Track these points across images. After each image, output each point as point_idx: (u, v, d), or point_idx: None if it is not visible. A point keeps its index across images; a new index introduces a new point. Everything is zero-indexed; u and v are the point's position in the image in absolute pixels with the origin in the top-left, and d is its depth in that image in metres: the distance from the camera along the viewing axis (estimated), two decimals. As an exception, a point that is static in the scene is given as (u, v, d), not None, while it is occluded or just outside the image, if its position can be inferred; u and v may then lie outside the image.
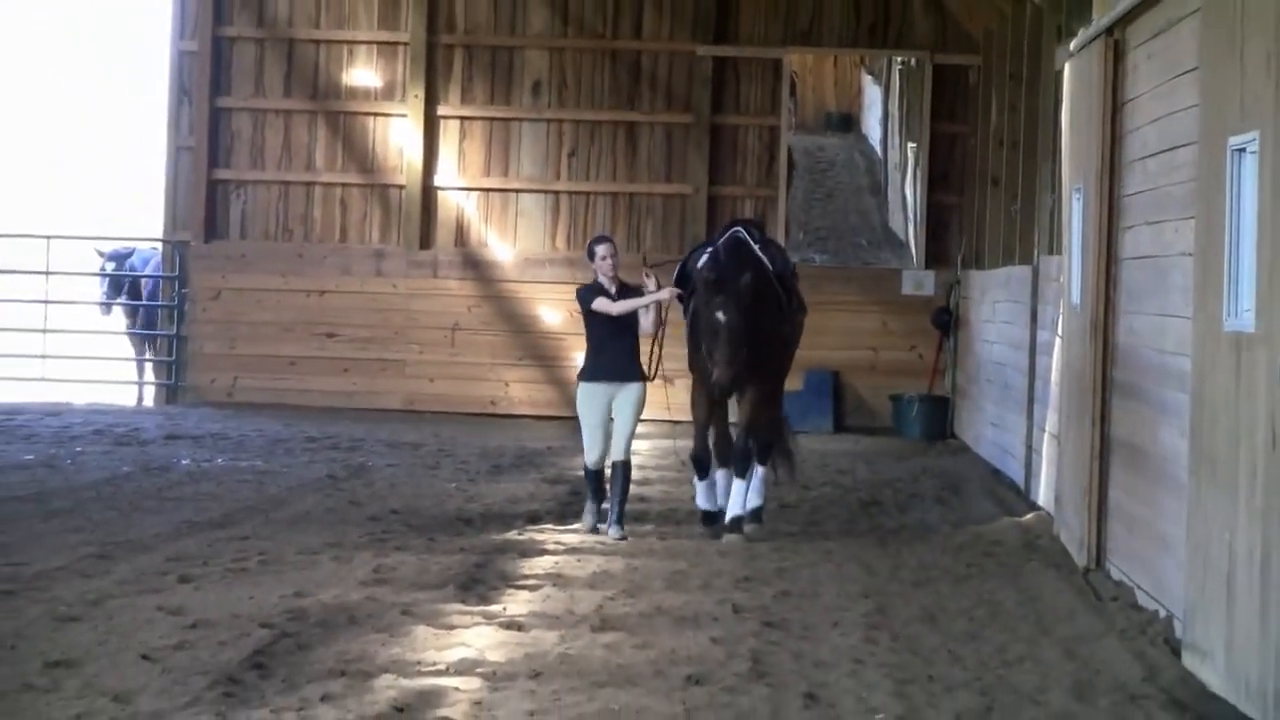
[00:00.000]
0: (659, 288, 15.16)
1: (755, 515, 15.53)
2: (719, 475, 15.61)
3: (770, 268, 15.38)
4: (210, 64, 27.46)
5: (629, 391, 15.07)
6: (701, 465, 15.59)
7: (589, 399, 15.16)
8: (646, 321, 15.13)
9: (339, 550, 14.05)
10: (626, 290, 15.16)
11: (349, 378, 27.11)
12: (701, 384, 15.30)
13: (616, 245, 15.42)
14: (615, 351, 15.09)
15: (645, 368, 15.28)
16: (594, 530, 15.12)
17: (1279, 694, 8.80)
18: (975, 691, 9.92)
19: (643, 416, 15.31)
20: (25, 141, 51.80)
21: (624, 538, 14.87)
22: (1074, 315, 15.07)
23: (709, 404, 15.47)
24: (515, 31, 27.42)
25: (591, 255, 15.29)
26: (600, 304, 14.95)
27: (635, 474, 19.36)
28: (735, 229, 15.62)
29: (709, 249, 15.61)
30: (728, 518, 15.18)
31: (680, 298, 15.59)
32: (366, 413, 26.26)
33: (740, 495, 15.22)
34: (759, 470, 15.60)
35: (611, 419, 15.15)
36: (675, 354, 15.88)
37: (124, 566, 13.02)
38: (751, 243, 15.41)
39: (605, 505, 15.27)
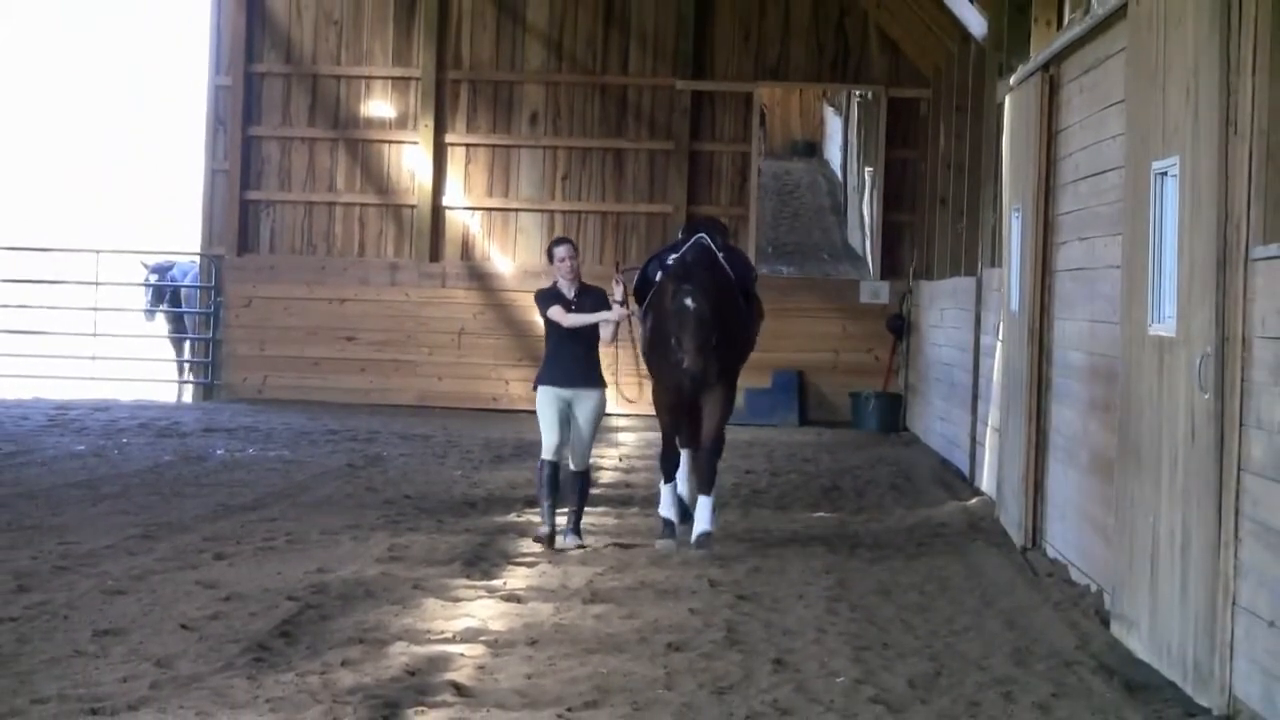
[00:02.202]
0: (625, 296, 13.62)
1: (707, 540, 13.52)
2: (680, 480, 14.15)
3: (731, 275, 13.86)
4: (242, 97, 27.45)
5: (587, 399, 13.40)
6: (670, 467, 14.01)
7: (546, 399, 13.41)
8: (606, 333, 13.47)
9: (357, 531, 14.04)
10: (586, 293, 13.46)
11: (366, 377, 27.10)
12: (664, 387, 13.90)
13: (577, 247, 13.82)
14: (572, 357, 13.36)
15: (604, 374, 13.67)
16: (552, 539, 13.31)
17: (1197, 659, 8.81)
18: (926, 658, 9.92)
19: (628, 411, 14.69)
20: (77, 166, 51.74)
21: (581, 546, 13.32)
22: (1013, 321, 15.06)
23: (673, 406, 13.92)
24: (515, 68, 27.43)
25: (551, 257, 13.59)
26: (554, 313, 13.28)
27: (621, 463, 19.38)
28: (699, 236, 14.02)
29: (672, 255, 13.97)
30: (695, 533, 13.48)
31: (640, 305, 14.20)
32: (382, 408, 26.23)
33: (706, 510, 13.59)
34: (709, 499, 13.75)
35: (571, 419, 13.46)
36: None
37: (165, 545, 13.00)
38: (715, 250, 13.86)
39: (562, 513, 13.58)
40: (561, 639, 10.15)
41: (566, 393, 13.37)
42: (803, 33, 27.16)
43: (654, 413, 14.40)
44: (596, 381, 13.46)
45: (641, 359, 14.55)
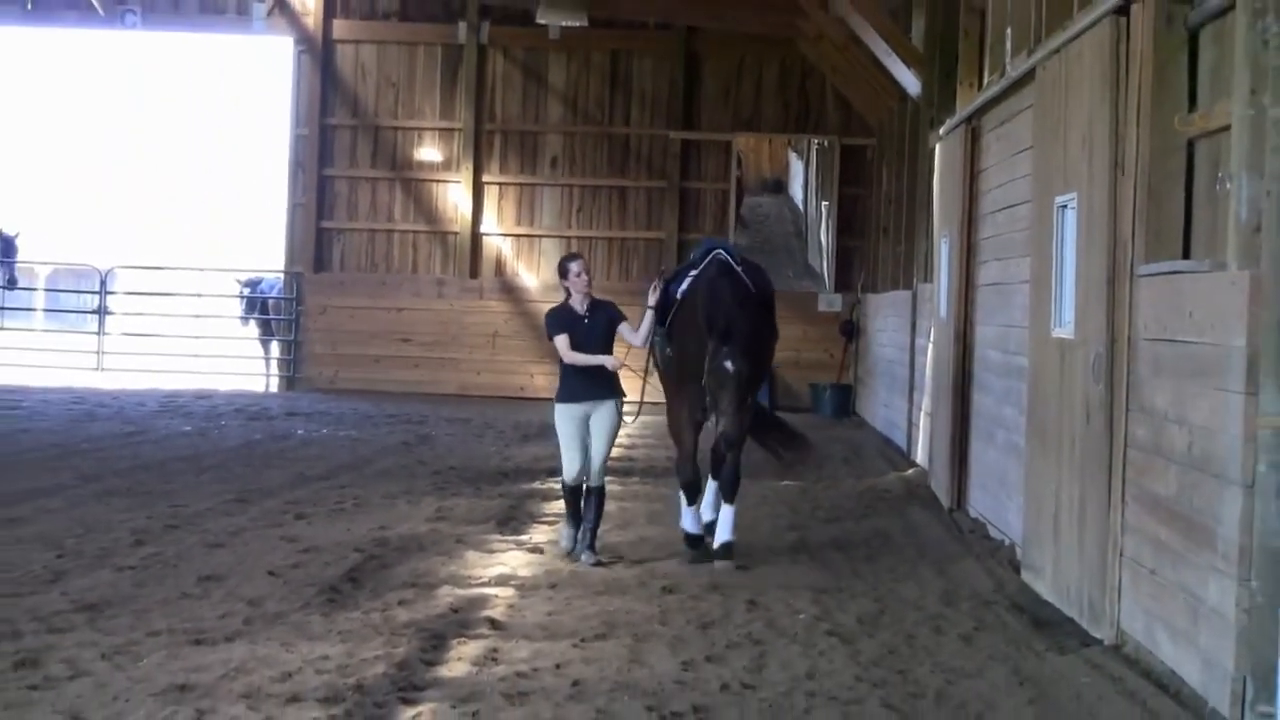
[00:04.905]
0: (658, 301, 11.25)
1: (729, 550, 11.09)
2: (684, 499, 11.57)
3: (752, 289, 11.29)
4: (318, 144, 27.43)
5: (605, 410, 10.93)
6: (693, 490, 11.40)
7: (565, 418, 10.97)
8: (636, 339, 11.19)
9: (411, 496, 14.04)
10: (598, 308, 11.07)
11: (419, 371, 27.09)
12: (685, 409, 11.32)
13: (588, 263, 11.28)
14: (588, 371, 10.91)
15: (623, 386, 11.16)
16: (571, 553, 11.12)
17: (1091, 600, 8.80)
18: (871, 599, 9.92)
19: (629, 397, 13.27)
20: (181, 200, 51.70)
21: (599, 563, 10.90)
22: (942, 326, 15.06)
23: (694, 427, 11.36)
24: (538, 121, 27.42)
25: (564, 273, 11.06)
26: (560, 343, 10.94)
27: (623, 439, 19.32)
28: (717, 251, 11.42)
29: (691, 274, 11.42)
30: (718, 542, 11.09)
31: (661, 324, 11.43)
32: (431, 396, 26.22)
33: (729, 519, 11.14)
34: (730, 508, 11.23)
35: (588, 434, 11.04)
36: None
37: (255, 508, 13.00)
38: (735, 266, 11.31)
39: (581, 530, 11.19)
40: (576, 584, 10.15)
41: (585, 406, 10.95)
42: (772, 93, 27.20)
43: (649, 398, 12.22)
44: (612, 392, 11.00)
45: (660, 379, 12.04)
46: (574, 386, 10.97)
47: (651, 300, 11.21)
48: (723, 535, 11.10)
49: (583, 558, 10.94)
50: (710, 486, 11.74)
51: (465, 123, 27.31)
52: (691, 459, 11.41)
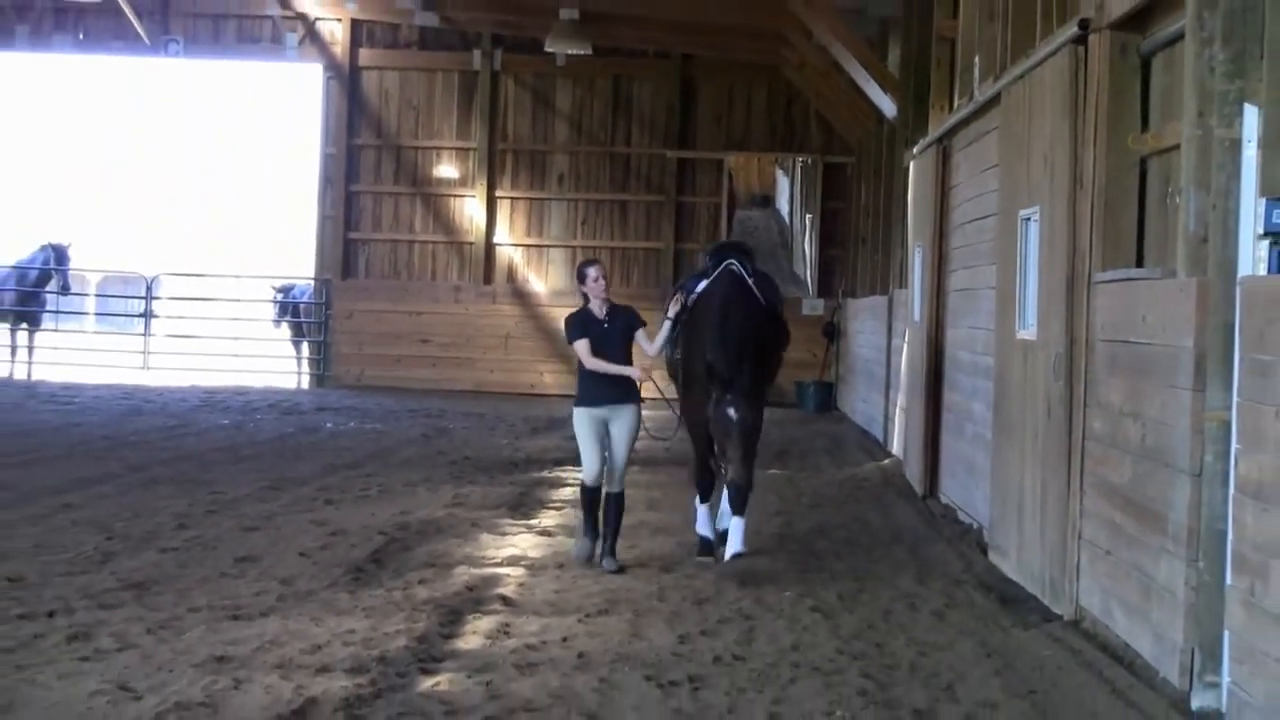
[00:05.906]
0: (679, 309, 10.41)
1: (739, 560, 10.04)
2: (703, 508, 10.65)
3: (763, 300, 10.53)
4: (345, 162, 27.44)
5: (624, 414, 9.97)
6: (705, 486, 10.61)
7: (584, 422, 10.00)
8: (651, 348, 10.21)
9: (430, 483, 14.03)
10: (617, 313, 10.19)
11: (437, 369, 27.08)
12: (693, 412, 10.47)
13: (606, 269, 10.55)
14: (607, 376, 10.00)
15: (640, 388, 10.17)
16: (589, 561, 10.07)
17: (1053, 579, 8.81)
18: (851, 578, 9.92)
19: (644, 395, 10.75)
20: (220, 212, 51.68)
21: (619, 569, 9.90)
22: (915, 328, 15.06)
23: (704, 429, 10.21)
24: (547, 141, 27.43)
25: (583, 278, 10.27)
26: (580, 348, 10.00)
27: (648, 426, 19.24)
28: (729, 262, 10.60)
29: (703, 281, 10.65)
30: (729, 554, 9.92)
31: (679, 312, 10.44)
32: (448, 393, 26.20)
33: (739, 532, 9.98)
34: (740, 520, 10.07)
35: (608, 438, 10.05)
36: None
37: (288, 495, 13.00)
38: (746, 276, 10.53)
39: (601, 535, 10.14)
40: (581, 564, 10.13)
41: (603, 411, 9.99)
42: (761, 115, 27.24)
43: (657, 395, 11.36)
44: (632, 397, 10.08)
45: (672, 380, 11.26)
46: (593, 390, 10.03)
47: (671, 311, 10.41)
48: (733, 547, 9.97)
49: (604, 564, 9.91)
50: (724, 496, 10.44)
51: (480, 142, 27.31)
52: (706, 458, 10.52)
